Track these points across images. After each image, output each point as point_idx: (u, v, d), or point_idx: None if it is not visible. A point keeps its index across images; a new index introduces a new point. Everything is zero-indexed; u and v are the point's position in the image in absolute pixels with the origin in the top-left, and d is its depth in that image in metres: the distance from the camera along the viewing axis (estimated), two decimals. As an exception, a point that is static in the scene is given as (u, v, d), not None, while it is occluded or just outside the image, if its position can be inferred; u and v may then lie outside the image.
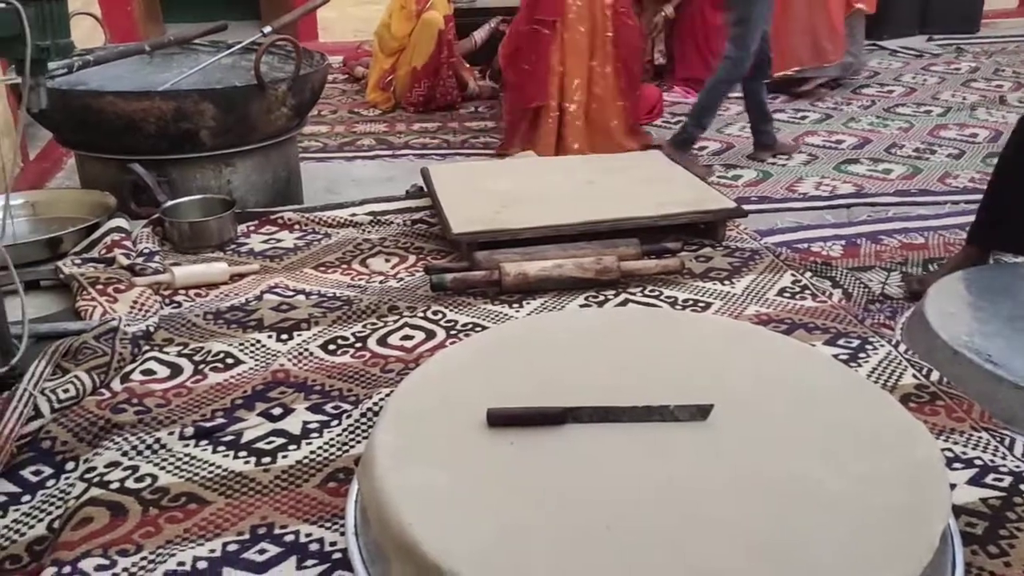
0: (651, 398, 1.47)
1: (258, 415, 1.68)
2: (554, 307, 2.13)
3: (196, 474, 1.52)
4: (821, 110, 4.10)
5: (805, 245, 2.62)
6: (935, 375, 1.79)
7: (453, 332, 2.01)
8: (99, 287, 2.10)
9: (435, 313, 2.09)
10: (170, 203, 2.56)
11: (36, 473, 1.53)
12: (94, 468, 1.52)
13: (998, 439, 1.59)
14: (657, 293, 2.19)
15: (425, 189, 2.74)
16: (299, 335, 1.98)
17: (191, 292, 2.21)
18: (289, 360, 1.87)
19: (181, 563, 1.32)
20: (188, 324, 2.03)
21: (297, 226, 2.62)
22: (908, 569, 1.13)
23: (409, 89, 4.27)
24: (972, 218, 2.78)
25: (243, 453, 1.57)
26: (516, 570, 1.12)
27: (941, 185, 3.12)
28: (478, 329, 2.01)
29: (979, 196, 2.98)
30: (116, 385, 1.77)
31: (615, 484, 1.27)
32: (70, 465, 1.56)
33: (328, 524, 1.41)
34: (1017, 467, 1.51)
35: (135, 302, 2.07)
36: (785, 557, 1.14)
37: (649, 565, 1.13)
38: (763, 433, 1.38)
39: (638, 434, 1.38)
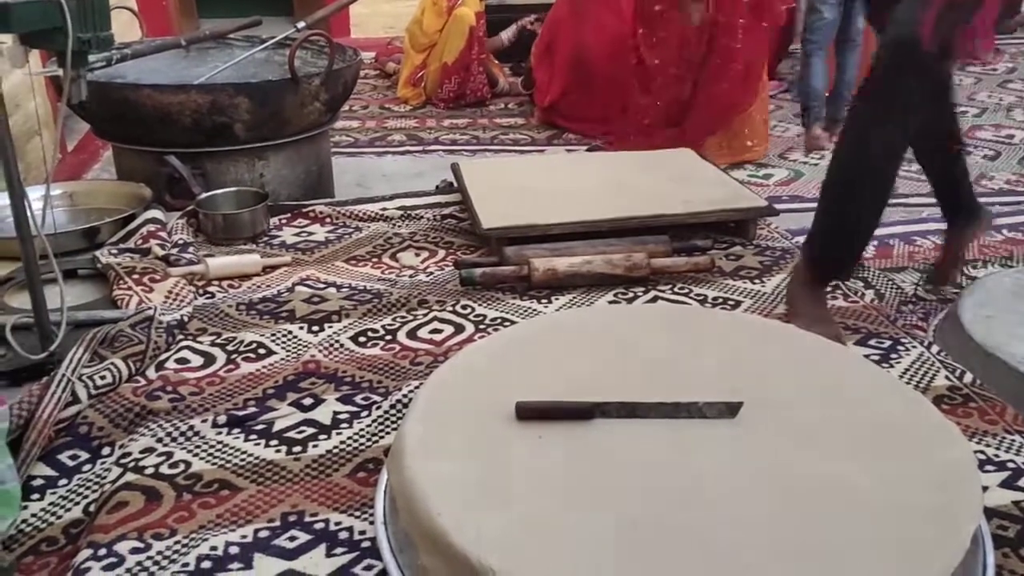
0: (680, 395, 1.47)
1: (289, 405, 1.70)
2: (583, 303, 2.13)
3: (228, 461, 1.54)
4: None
5: (837, 245, 2.59)
6: (968, 377, 1.77)
7: (482, 327, 2.02)
8: (135, 276, 2.14)
9: (464, 307, 2.10)
10: (204, 195, 2.59)
11: (73, 458, 1.57)
12: (129, 453, 1.55)
13: (1032, 442, 1.57)
14: (687, 291, 2.19)
15: (455, 184, 2.76)
16: (330, 327, 2.00)
17: (224, 283, 2.24)
18: (320, 351, 1.90)
19: (214, 548, 1.34)
20: (221, 314, 2.06)
21: (328, 219, 2.64)
22: (938, 570, 1.12)
23: (439, 85, 4.28)
24: (1007, 220, 2.76)
25: (274, 442, 1.59)
26: (544, 561, 1.13)
27: (976, 187, 3.06)
28: (507, 324, 2.02)
29: (1015, 198, 2.95)
30: (151, 373, 1.80)
31: (643, 480, 1.28)
32: (106, 450, 1.59)
33: (357, 513, 1.42)
34: (1051, 471, 1.49)
35: (170, 292, 2.10)
36: (813, 556, 1.14)
37: (675, 562, 1.13)
38: (793, 432, 1.38)
39: (667, 431, 1.38)
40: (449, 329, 2.01)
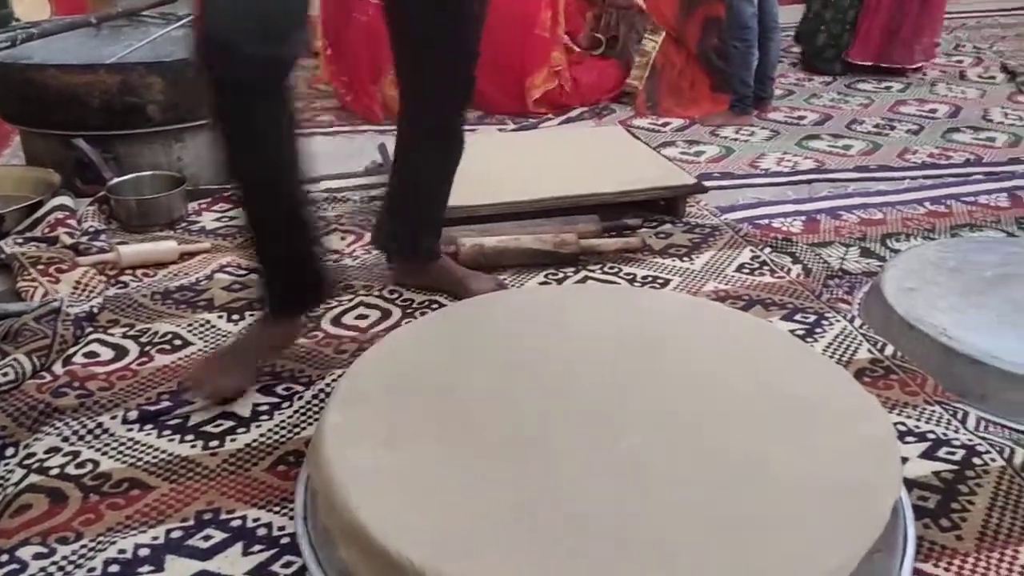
0: (606, 373, 1.45)
1: (206, 397, 1.63)
2: (513, 285, 2.10)
3: (140, 459, 1.47)
4: (783, 86, 4.10)
5: (766, 221, 2.61)
6: (889, 349, 1.79)
7: (409, 311, 1.97)
8: (41, 267, 2.03)
9: (391, 292, 2.05)
10: (117, 180, 2.48)
11: (-27, 460, 1.48)
12: (33, 454, 1.47)
13: (951, 412, 1.59)
14: (617, 270, 2.17)
15: (383, 165, 2.69)
16: (251, 315, 1.93)
17: (138, 272, 2.15)
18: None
19: (122, 551, 1.28)
20: (134, 305, 1.98)
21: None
22: (858, 543, 1.13)
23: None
24: (931, 193, 2.82)
25: (189, 437, 1.53)
26: (468, 552, 1.10)
27: (900, 161, 3.12)
28: (435, 307, 1.98)
29: (937, 171, 3.01)
30: (58, 368, 1.72)
31: (570, 464, 1.26)
32: (9, 451, 1.50)
33: (277, 508, 1.37)
34: (969, 440, 1.51)
35: (78, 282, 2.00)
36: (734, 533, 1.13)
37: (602, 545, 1.12)
38: (717, 409, 1.37)
39: (593, 411, 1.36)
40: (375, 314, 1.96)
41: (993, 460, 1.46)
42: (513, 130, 3.45)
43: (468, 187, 2.40)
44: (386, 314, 1.96)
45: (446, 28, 1.74)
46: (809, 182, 2.95)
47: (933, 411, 1.60)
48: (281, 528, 1.33)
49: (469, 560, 1.09)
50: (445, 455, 1.27)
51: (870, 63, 4.25)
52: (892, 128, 3.48)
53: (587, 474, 1.23)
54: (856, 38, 4.24)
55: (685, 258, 2.23)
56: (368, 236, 2.34)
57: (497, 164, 2.63)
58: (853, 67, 4.29)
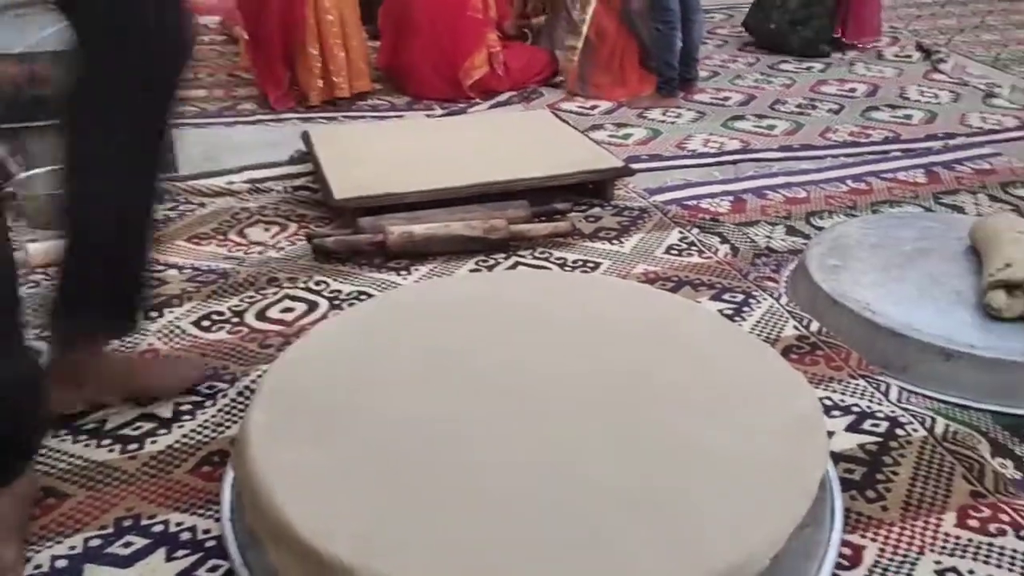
0: (538, 360, 1.44)
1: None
2: (443, 273, 2.07)
3: (54, 467, 1.41)
4: (708, 67, 4.14)
5: (694, 202, 2.64)
6: (815, 326, 1.83)
7: (337, 303, 1.93)
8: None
9: (318, 283, 2.01)
10: (24, 175, 2.37)
11: None
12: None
13: (874, 385, 1.63)
14: (547, 255, 2.16)
15: (309, 154, 2.63)
16: (170, 312, 1.87)
17: (50, 270, 2.05)
18: (159, 339, 1.76)
19: (38, 566, 1.22)
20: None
21: (169, 196, 2.47)
22: (787, 519, 1.14)
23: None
24: (852, 171, 2.88)
25: (107, 441, 1.47)
26: (397, 549, 1.08)
27: (822, 139, 3.19)
28: (363, 298, 1.94)
29: (858, 149, 3.08)
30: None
31: (501, 453, 1.24)
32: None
33: (202, 511, 1.33)
34: (892, 412, 1.55)
35: (-16, 283, 1.90)
36: (664, 512, 1.14)
37: (534, 532, 1.11)
38: (647, 390, 1.37)
39: (524, 398, 1.35)
40: (302, 307, 1.91)
41: (915, 431, 1.50)
42: (441, 115, 3.41)
43: (397, 173, 2.37)
44: (312, 306, 1.92)
45: None
46: (735, 163, 2.99)
47: (857, 385, 1.63)
48: (206, 531, 1.29)
49: (400, 556, 1.06)
50: (373, 450, 1.24)
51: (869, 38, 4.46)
52: (814, 108, 3.55)
53: (518, 462, 1.22)
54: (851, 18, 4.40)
55: (615, 241, 2.24)
56: (293, 227, 2.29)
57: (425, 150, 2.59)
58: (842, 46, 4.46)
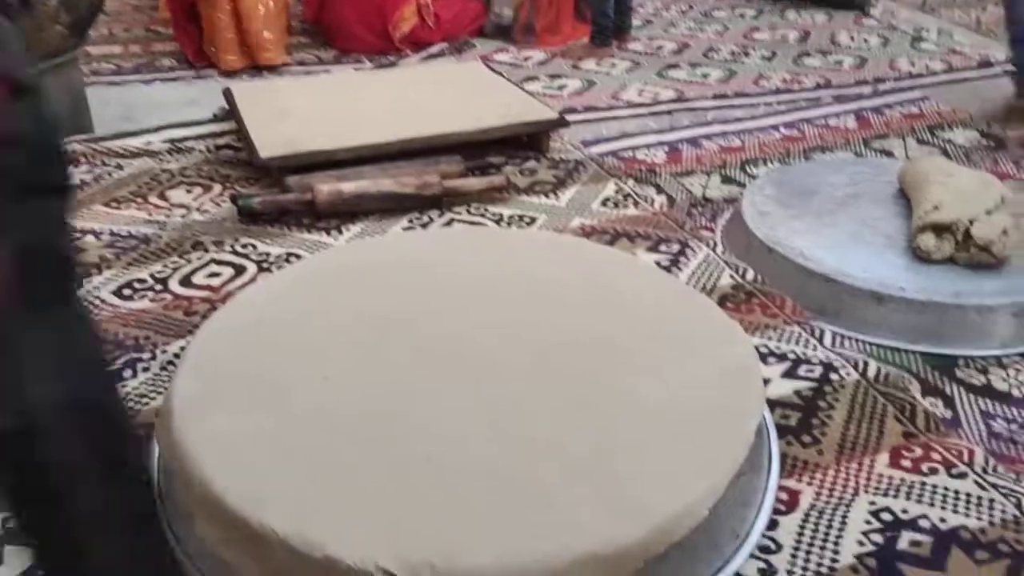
0: (474, 318, 1.41)
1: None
2: (375, 232, 2.02)
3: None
4: (642, 16, 4.10)
5: (630, 153, 2.62)
6: (751, 274, 1.83)
7: (265, 265, 1.87)
8: None
9: (245, 246, 1.94)
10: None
11: None
12: None
13: (809, 331, 1.65)
14: (483, 211, 2.12)
15: (231, 111, 2.52)
16: (88, 282, 1.78)
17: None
18: (77, 309, 1.68)
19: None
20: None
21: (84, 159, 2.35)
22: (724, 468, 1.14)
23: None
24: (785, 118, 2.89)
25: (22, 419, 1.40)
26: (331, 516, 1.05)
27: (755, 87, 3.19)
28: (292, 260, 1.88)
29: (791, 96, 3.09)
30: None
31: (436, 414, 1.21)
32: None
33: (126, 487, 1.27)
34: (826, 357, 1.57)
35: None
36: (604, 470, 1.13)
37: (472, 494, 1.09)
38: (584, 344, 1.36)
39: (460, 356, 1.33)
40: (228, 271, 1.84)
41: (848, 375, 1.52)
42: (371, 69, 3.31)
43: (325, 130, 2.29)
44: (240, 270, 1.85)
45: None
46: (670, 112, 2.97)
47: (792, 331, 1.65)
48: (132, 508, 1.24)
49: (334, 523, 1.03)
50: (305, 418, 1.20)
51: None
52: (747, 55, 3.55)
53: (453, 425, 1.20)
54: None
55: (551, 195, 2.20)
56: (217, 188, 2.20)
57: (355, 105, 2.51)
58: None
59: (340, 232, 2.01)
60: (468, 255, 1.64)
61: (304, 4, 3.83)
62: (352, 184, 2.04)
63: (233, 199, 2.06)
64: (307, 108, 2.47)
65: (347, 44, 3.53)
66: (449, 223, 2.06)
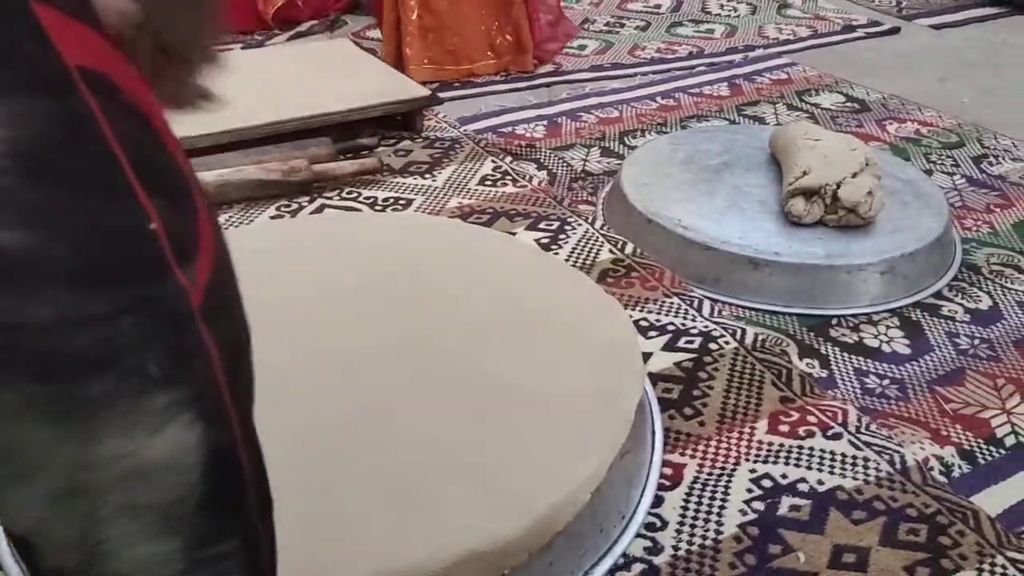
0: (346, 308, 1.35)
1: None
2: (241, 222, 1.91)
3: None
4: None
5: (509, 128, 2.57)
6: (629, 248, 1.82)
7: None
8: None
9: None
10: None
11: None
12: None
13: (687, 302, 1.65)
14: (356, 195, 2.04)
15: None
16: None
17: None
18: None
19: None
20: None
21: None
22: (605, 449, 1.12)
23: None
24: (661, 87, 2.90)
25: None
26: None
27: (631, 57, 3.19)
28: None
29: (665, 66, 3.11)
30: None
31: (302, 412, 1.15)
32: None
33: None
34: (706, 327, 1.57)
35: None
36: (483, 462, 1.09)
37: (341, 494, 1.03)
38: (461, 330, 1.31)
39: (335, 350, 1.26)
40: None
41: (727, 343, 1.53)
42: (238, 50, 3.14)
43: (180, 118, 2.14)
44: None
45: None
46: (548, 85, 2.94)
47: (672, 303, 1.64)
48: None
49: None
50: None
51: None
52: (622, 26, 3.55)
53: (325, 422, 1.13)
54: None
55: (427, 175, 2.14)
56: None
57: (217, 88, 2.36)
58: None
59: (203, 225, 1.89)
60: (336, 242, 1.57)
61: None
62: (213, 173, 1.92)
63: (82, 195, 1.91)
64: (163, 94, 2.31)
65: None
66: (320, 209, 1.97)
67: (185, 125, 1.89)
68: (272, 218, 1.93)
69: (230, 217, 1.92)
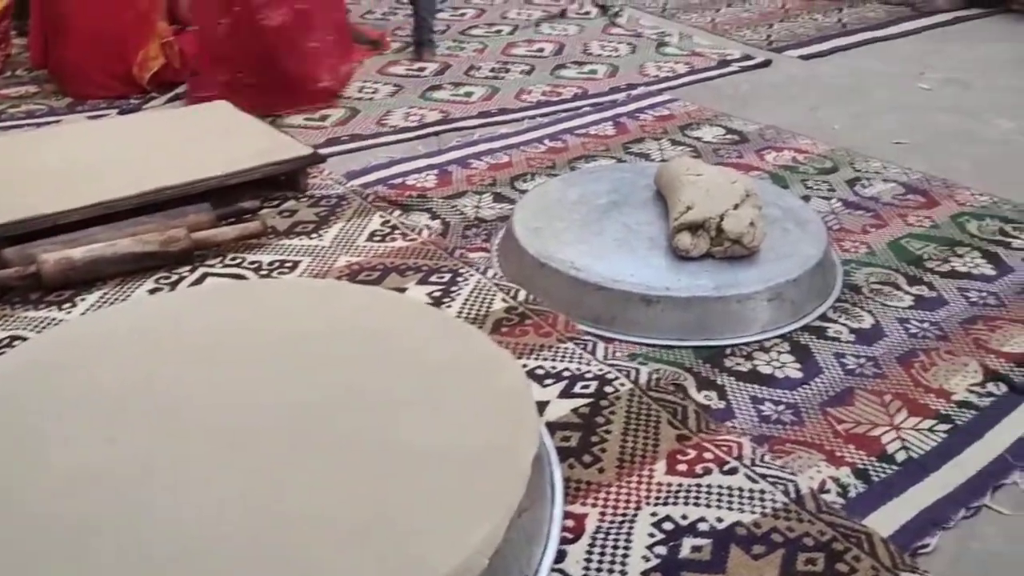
0: (231, 389, 1.29)
1: None
2: (116, 299, 1.82)
3: None
4: (400, 38, 4.06)
5: (400, 180, 2.55)
6: (522, 295, 1.81)
7: (-18, 354, 1.63)
8: None
9: (-43, 334, 1.68)
10: None
11: None
12: None
13: (582, 346, 1.64)
14: (240, 260, 1.97)
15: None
16: None
17: None
18: None
19: None
20: None
21: None
22: (502, 509, 1.09)
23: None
24: (548, 130, 2.93)
25: None
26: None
27: (517, 102, 3.22)
28: (17, 344, 1.64)
29: (551, 108, 3.15)
30: None
31: (188, 497, 1.08)
32: None
33: None
34: (600, 370, 1.56)
35: None
36: (376, 534, 1.05)
37: (230, 570, 0.97)
38: (349, 401, 1.27)
39: (212, 429, 1.19)
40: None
41: (623, 385, 1.52)
42: (113, 116, 3.03)
43: (48, 191, 2.05)
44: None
45: None
46: (437, 134, 2.94)
47: (566, 348, 1.63)
48: None
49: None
50: (40, 511, 1.03)
51: None
52: (507, 71, 3.59)
53: (213, 505, 1.07)
54: None
55: (313, 235, 2.09)
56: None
57: (87, 158, 2.27)
58: None
59: (74, 304, 1.80)
60: (217, 313, 1.50)
61: (29, 47, 3.48)
62: (83, 249, 1.83)
63: (-62, 282, 1.79)
64: (30, 167, 2.21)
65: (83, 90, 3.23)
66: (202, 279, 1.90)
67: (49, 202, 1.82)
68: (150, 291, 1.84)
69: (104, 294, 1.83)
